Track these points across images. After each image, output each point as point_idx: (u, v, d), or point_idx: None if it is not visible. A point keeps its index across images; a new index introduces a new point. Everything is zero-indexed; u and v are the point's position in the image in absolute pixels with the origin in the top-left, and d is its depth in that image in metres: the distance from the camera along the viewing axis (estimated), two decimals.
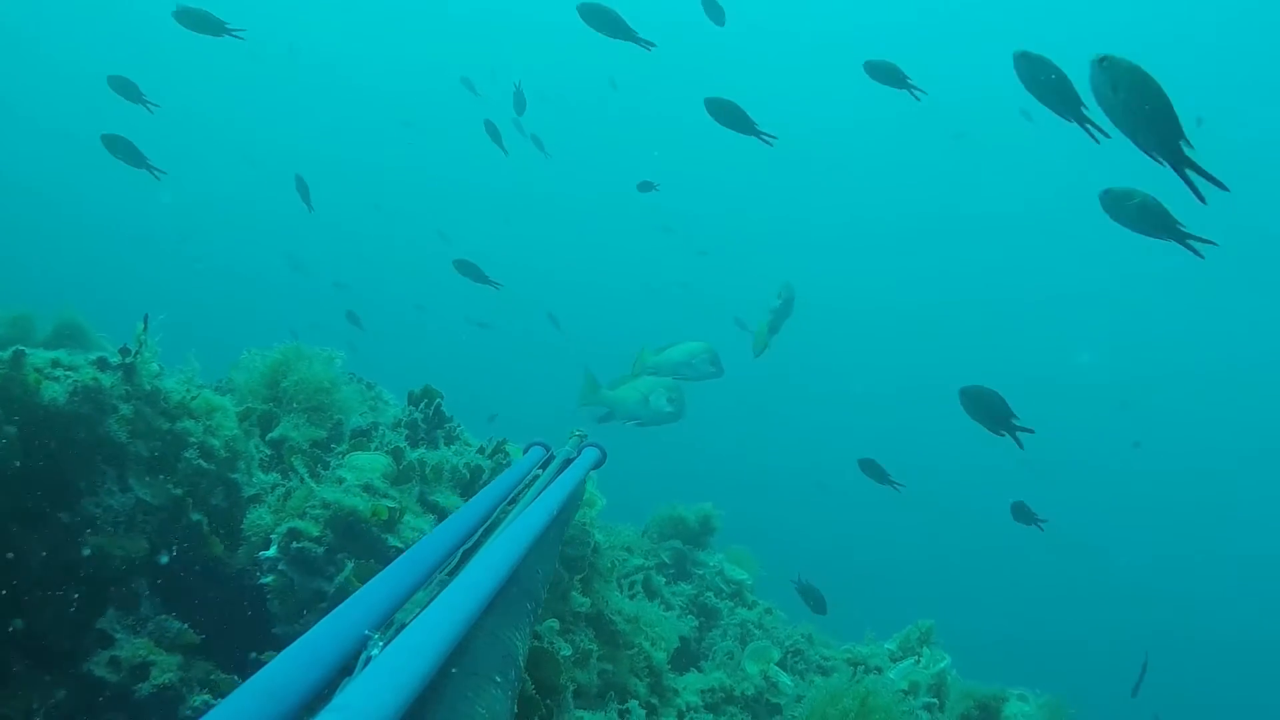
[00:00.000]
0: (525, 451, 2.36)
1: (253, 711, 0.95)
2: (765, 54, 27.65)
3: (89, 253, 24.60)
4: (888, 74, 4.78)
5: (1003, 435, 3.84)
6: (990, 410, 3.83)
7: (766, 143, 4.82)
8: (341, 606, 1.21)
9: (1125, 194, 3.11)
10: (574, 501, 2.31)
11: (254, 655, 2.00)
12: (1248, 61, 24.10)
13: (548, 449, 2.32)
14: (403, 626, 1.15)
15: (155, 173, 5.38)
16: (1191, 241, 3.02)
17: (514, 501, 1.87)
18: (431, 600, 1.21)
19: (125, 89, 5.76)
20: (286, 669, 1.03)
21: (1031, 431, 3.78)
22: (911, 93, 4.79)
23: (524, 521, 1.68)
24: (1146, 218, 3.06)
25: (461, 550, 1.53)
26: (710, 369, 5.27)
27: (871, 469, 5.17)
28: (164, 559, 2.03)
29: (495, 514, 1.77)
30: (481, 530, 1.66)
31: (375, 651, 1.10)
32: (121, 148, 5.30)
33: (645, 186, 7.25)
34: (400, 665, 0.99)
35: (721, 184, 29.73)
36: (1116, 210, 3.14)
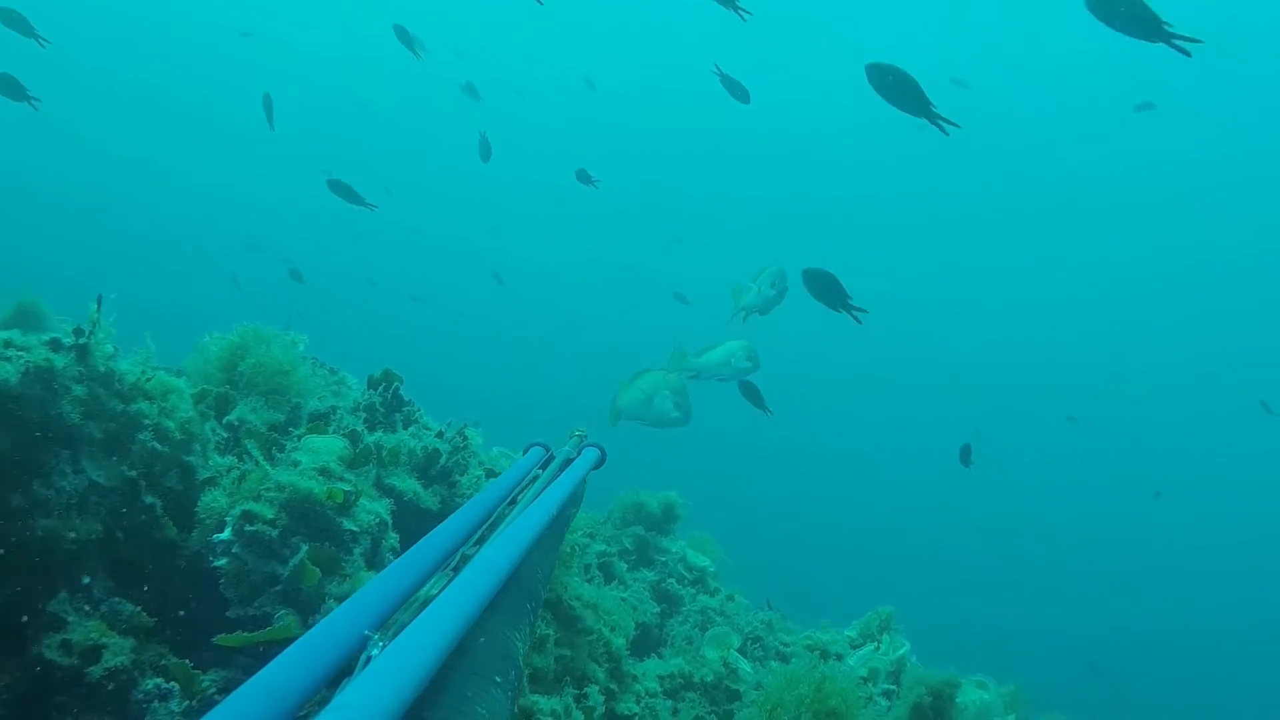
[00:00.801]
0: (525, 451, 2.37)
1: (253, 711, 0.95)
2: (732, 46, 27.64)
3: (51, 237, 24.31)
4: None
5: (840, 312, 4.04)
6: (829, 291, 4.02)
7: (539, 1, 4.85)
8: (342, 606, 1.22)
9: None
10: (574, 502, 2.31)
11: (181, 613, 2.00)
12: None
13: (547, 449, 2.33)
14: (403, 626, 1.16)
15: (33, 103, 5.39)
16: (1177, 41, 3.06)
17: (514, 502, 1.88)
18: (431, 600, 1.22)
19: (14, 22, 5.76)
20: (287, 669, 1.03)
21: (866, 311, 3.97)
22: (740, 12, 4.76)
23: (524, 522, 1.69)
24: (1136, 20, 3.08)
25: (461, 551, 1.54)
26: (747, 364, 5.18)
27: (749, 391, 5.15)
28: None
29: (495, 514, 1.78)
30: (481, 531, 1.67)
31: (375, 651, 1.11)
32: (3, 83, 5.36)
33: (584, 177, 7.14)
34: (400, 665, 1.00)
35: (687, 171, 29.85)
36: (1104, 11, 3.15)
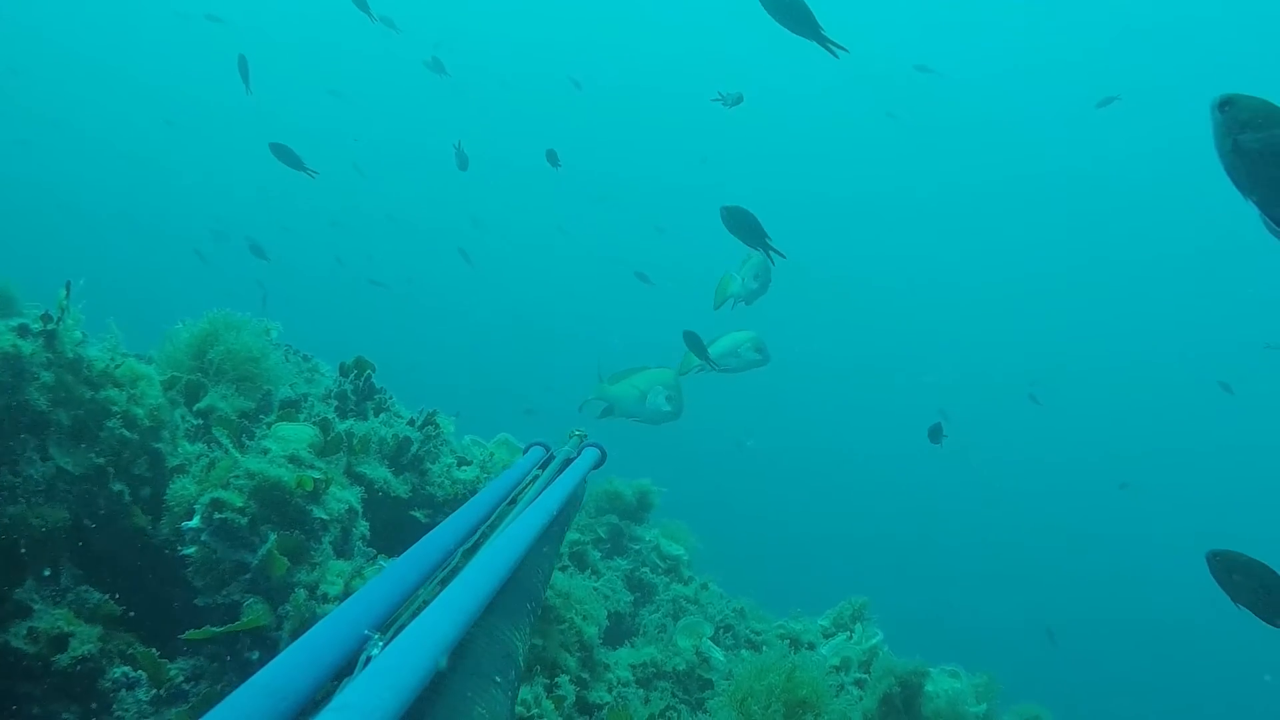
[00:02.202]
0: (525, 451, 2.37)
1: (253, 710, 0.95)
2: (714, 40, 27.67)
3: (20, 221, 24.08)
4: None
5: (757, 250, 4.08)
6: (748, 228, 4.03)
7: None
8: (342, 606, 1.22)
9: None
10: (574, 502, 2.31)
11: (145, 604, 1.98)
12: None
13: (547, 449, 2.33)
14: (403, 626, 1.16)
15: None
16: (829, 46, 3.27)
17: (514, 502, 1.88)
18: (432, 600, 1.22)
19: None
20: (287, 668, 1.03)
21: (784, 256, 3.99)
22: None
23: (524, 522, 1.69)
24: (797, 18, 3.25)
25: (461, 550, 1.54)
26: (755, 356, 5.08)
27: (692, 341, 5.05)
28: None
29: (495, 514, 1.78)
30: (481, 530, 1.67)
31: (375, 651, 1.11)
32: None
33: (551, 159, 7.12)
34: (400, 665, 0.99)
35: (669, 162, 29.87)
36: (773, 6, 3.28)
